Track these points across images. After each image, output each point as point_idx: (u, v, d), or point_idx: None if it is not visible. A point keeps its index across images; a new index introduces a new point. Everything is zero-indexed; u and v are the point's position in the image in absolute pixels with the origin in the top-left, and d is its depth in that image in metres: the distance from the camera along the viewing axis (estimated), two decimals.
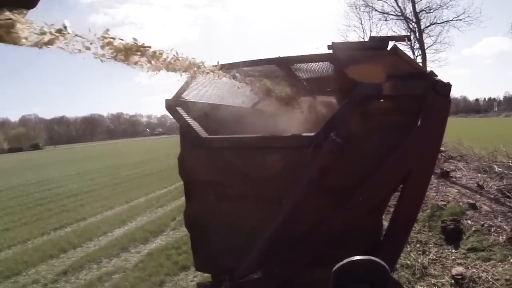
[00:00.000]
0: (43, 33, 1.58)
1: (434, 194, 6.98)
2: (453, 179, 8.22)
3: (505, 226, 4.84)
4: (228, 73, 2.89)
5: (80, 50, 1.74)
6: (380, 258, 1.34)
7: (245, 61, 2.96)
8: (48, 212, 9.69)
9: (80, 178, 16.90)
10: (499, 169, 7.98)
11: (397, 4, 15.99)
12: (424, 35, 15.30)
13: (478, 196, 6.54)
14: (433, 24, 15.53)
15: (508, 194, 6.20)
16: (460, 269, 3.95)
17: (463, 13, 14.89)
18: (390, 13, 16.52)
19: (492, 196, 6.34)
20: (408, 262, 4.26)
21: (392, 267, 2.86)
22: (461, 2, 17.82)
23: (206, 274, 4.03)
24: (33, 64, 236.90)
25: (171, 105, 3.07)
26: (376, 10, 17.06)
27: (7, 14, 1.39)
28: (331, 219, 2.43)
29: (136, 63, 2.05)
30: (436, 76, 2.29)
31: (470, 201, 6.01)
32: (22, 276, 5.33)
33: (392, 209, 2.82)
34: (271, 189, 2.60)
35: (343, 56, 2.41)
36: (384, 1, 16.49)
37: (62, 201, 11.15)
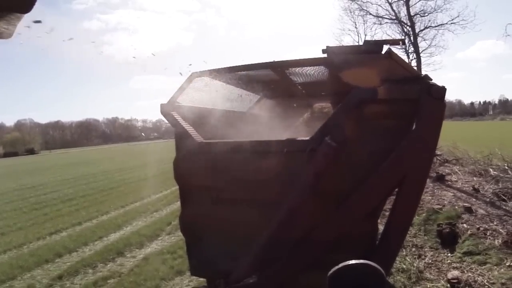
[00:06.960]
0: None
1: (430, 197, 6.98)
2: (449, 182, 8.23)
3: (500, 230, 4.84)
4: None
5: None
6: (376, 262, 1.34)
7: (240, 65, 2.97)
8: (44, 216, 9.59)
9: (75, 182, 16.76)
10: (494, 172, 7.97)
11: (392, 7, 16.00)
12: (419, 39, 15.32)
13: (474, 199, 6.54)
14: (428, 27, 15.56)
15: (503, 197, 6.20)
16: (456, 273, 3.95)
17: (458, 16, 14.92)
18: (384, 16, 16.53)
19: (488, 200, 6.34)
20: (404, 266, 4.25)
21: (387, 271, 2.86)
22: (456, 5, 17.92)
23: (201, 279, 4.01)
24: (28, 68, 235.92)
25: (166, 110, 3.06)
26: (370, 13, 17.03)
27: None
28: (327, 223, 2.43)
29: None
30: (431, 79, 2.30)
31: (466, 204, 6.01)
32: (17, 280, 5.27)
33: (387, 213, 2.82)
34: (266, 193, 2.59)
35: (338, 60, 2.42)
36: (379, 5, 16.49)
37: (57, 205, 11.05)
